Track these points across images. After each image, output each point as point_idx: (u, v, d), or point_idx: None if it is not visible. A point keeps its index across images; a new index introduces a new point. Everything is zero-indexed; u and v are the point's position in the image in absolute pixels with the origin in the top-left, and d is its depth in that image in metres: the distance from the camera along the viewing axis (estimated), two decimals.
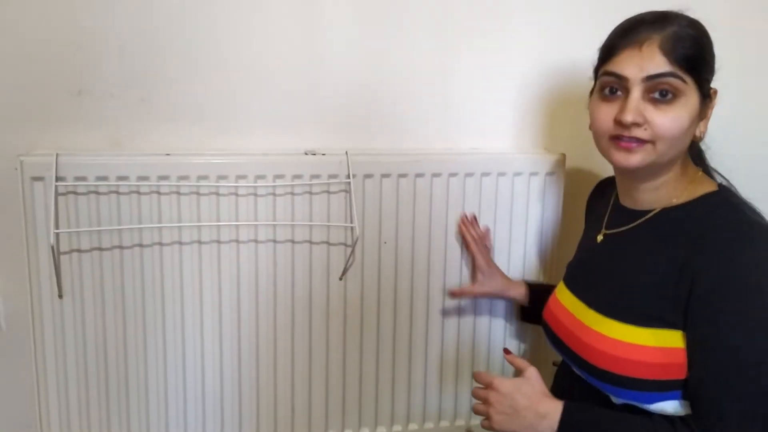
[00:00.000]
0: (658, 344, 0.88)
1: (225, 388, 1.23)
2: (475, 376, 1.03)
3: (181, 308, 1.19)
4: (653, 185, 0.95)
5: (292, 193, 1.19)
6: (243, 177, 1.16)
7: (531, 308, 1.25)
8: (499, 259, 1.30)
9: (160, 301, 1.18)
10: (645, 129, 0.88)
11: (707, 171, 0.99)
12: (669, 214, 0.94)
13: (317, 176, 1.19)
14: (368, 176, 1.21)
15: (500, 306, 1.33)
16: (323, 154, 1.21)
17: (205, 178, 1.15)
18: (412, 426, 1.32)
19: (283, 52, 1.21)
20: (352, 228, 1.21)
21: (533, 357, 1.35)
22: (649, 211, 0.96)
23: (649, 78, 0.87)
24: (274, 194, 1.19)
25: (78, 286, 1.15)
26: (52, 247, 1.10)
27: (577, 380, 1.00)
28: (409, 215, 1.25)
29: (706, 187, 0.94)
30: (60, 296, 1.14)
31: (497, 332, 1.34)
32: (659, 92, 0.87)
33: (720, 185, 0.95)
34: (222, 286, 1.20)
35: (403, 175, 1.23)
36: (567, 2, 1.30)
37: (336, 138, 1.26)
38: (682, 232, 0.90)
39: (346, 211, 1.22)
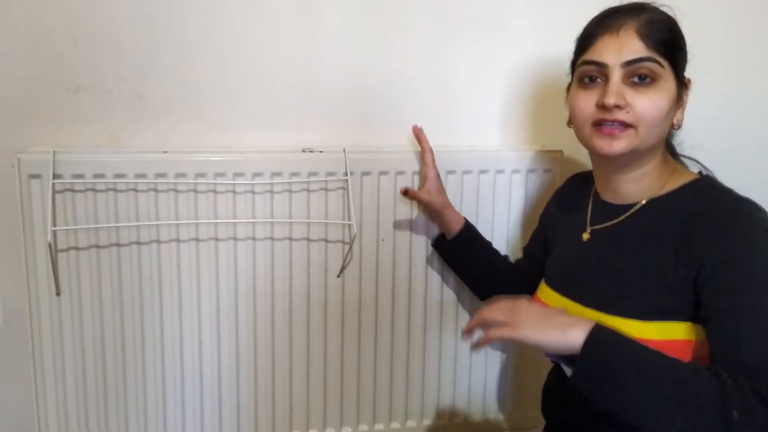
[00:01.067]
0: (663, 337, 0.87)
1: (223, 384, 1.24)
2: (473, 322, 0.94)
3: (179, 305, 1.19)
4: (636, 175, 0.95)
5: (290, 191, 1.19)
6: (241, 174, 1.16)
7: (454, 241, 1.20)
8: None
9: (158, 298, 1.18)
10: (627, 112, 0.89)
11: (681, 162, 1.01)
12: (657, 203, 0.94)
13: (315, 173, 1.19)
14: (366, 173, 1.22)
15: None
16: (321, 152, 1.21)
17: (202, 175, 1.15)
18: (410, 423, 1.33)
19: (280, 49, 1.21)
20: (349, 225, 1.21)
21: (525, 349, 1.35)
22: (633, 204, 0.96)
23: (628, 63, 0.89)
24: (271, 192, 1.19)
25: (76, 284, 1.15)
26: (50, 245, 1.10)
27: (565, 388, 0.99)
28: (406, 212, 1.25)
29: (688, 176, 0.95)
30: (58, 294, 1.14)
31: None
32: (638, 76, 0.89)
33: (700, 173, 0.96)
34: (220, 284, 1.20)
35: (400, 173, 1.23)
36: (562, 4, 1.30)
37: (333, 135, 1.26)
38: (673, 219, 0.90)
39: (344, 209, 1.22)
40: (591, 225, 1.02)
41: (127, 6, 1.15)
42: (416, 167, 1.23)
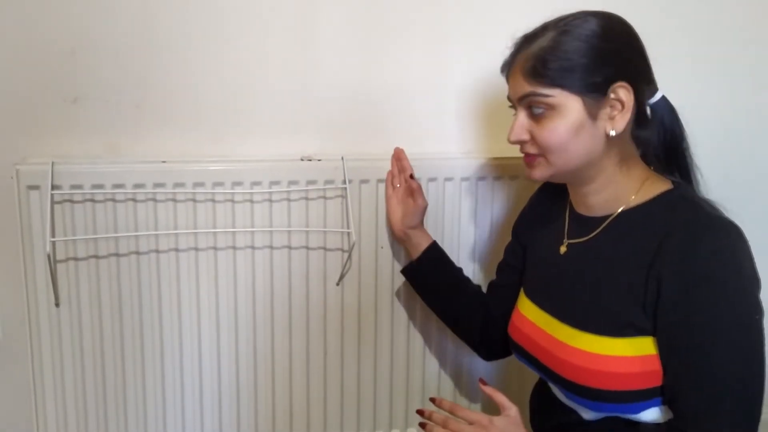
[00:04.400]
0: (635, 353, 0.86)
1: (223, 396, 1.23)
2: (447, 406, 0.99)
3: (179, 315, 1.19)
4: (594, 188, 0.94)
5: (289, 199, 1.20)
6: (239, 183, 1.17)
7: (420, 261, 1.19)
8: (496, 263, 1.30)
9: (157, 308, 1.18)
10: (532, 144, 0.92)
11: (658, 169, 0.97)
12: (628, 216, 0.93)
13: (313, 182, 1.19)
14: (364, 181, 1.22)
15: None
16: (319, 160, 1.21)
17: (201, 185, 1.15)
18: (410, 430, 1.32)
19: (278, 58, 1.22)
20: (348, 233, 1.21)
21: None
22: (607, 216, 0.95)
23: (520, 99, 0.92)
24: (270, 200, 1.19)
25: (75, 295, 1.15)
26: (49, 256, 1.10)
27: (553, 399, 1.00)
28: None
29: (661, 186, 0.93)
30: (57, 305, 1.14)
31: None
32: (534, 108, 0.90)
33: (674, 182, 0.94)
34: (219, 293, 1.20)
35: None
36: (563, 7, 1.30)
37: (332, 144, 1.26)
38: (643, 234, 0.89)
39: (343, 217, 1.22)
40: (568, 238, 1.01)
41: (124, 16, 1.15)
42: (414, 175, 1.23)
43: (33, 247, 1.12)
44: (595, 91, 0.88)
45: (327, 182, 1.20)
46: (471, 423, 0.92)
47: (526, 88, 0.89)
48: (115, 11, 1.14)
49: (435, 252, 1.19)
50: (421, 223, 1.21)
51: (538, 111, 0.90)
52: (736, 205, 0.89)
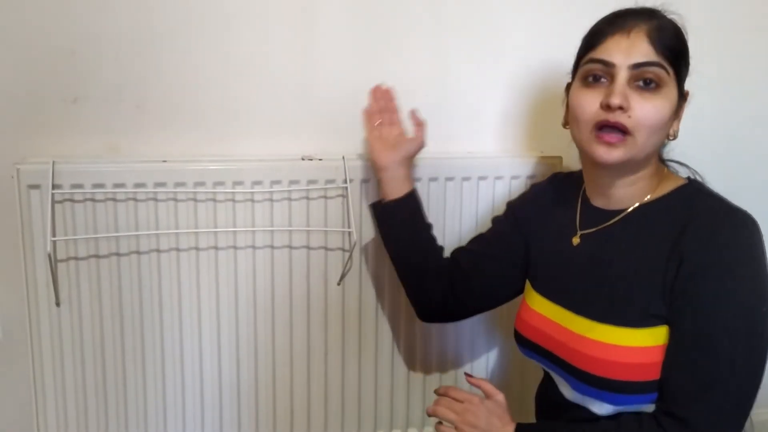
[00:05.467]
0: (655, 343, 0.87)
1: (224, 396, 1.23)
2: (449, 391, 1.02)
3: (179, 315, 1.19)
4: (629, 181, 0.94)
5: (290, 199, 1.19)
6: (240, 183, 1.16)
7: (394, 205, 1.11)
8: None
9: (157, 308, 1.18)
10: (629, 116, 0.87)
11: (668, 167, 1.00)
12: (646, 209, 0.94)
13: (314, 181, 1.19)
14: (365, 181, 1.22)
15: (499, 311, 1.33)
16: (320, 159, 1.21)
17: (202, 184, 1.15)
18: (411, 430, 1.32)
19: (279, 57, 1.22)
20: (349, 233, 1.21)
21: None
22: (624, 209, 0.95)
23: (636, 66, 0.87)
24: (271, 200, 1.19)
25: (75, 294, 1.15)
26: (49, 255, 1.09)
27: (559, 397, 1.00)
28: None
29: (676, 182, 0.95)
30: (57, 304, 1.14)
31: (495, 336, 1.34)
32: (643, 81, 0.88)
33: (688, 178, 0.96)
34: (220, 293, 1.20)
35: None
36: (564, 5, 1.30)
37: (333, 143, 1.26)
38: (662, 224, 0.90)
39: (344, 216, 1.22)
40: (581, 229, 1.00)
41: (125, 16, 1.15)
42: (415, 174, 1.23)
43: (33, 247, 1.11)
44: (682, 88, 0.92)
45: (328, 182, 1.20)
46: (462, 401, 0.99)
47: (653, 56, 0.87)
48: (115, 11, 1.14)
49: (415, 200, 1.13)
50: (412, 159, 1.14)
51: (648, 84, 0.87)
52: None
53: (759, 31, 1.40)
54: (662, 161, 1.00)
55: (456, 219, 1.27)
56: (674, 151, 1.03)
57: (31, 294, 1.13)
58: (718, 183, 0.97)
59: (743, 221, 0.86)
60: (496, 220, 1.15)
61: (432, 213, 1.24)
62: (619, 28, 0.89)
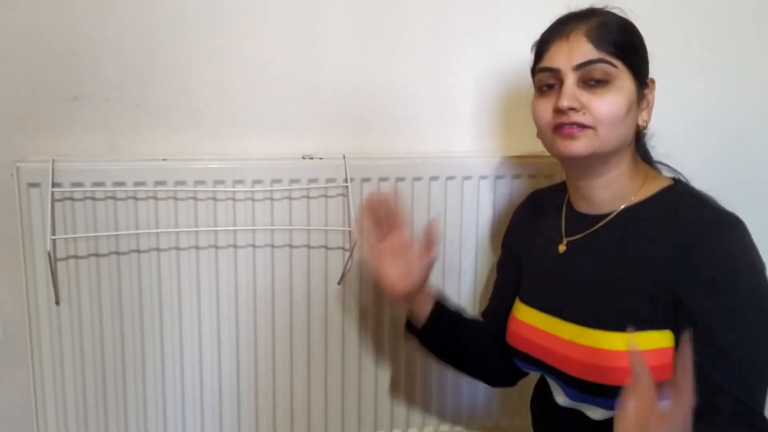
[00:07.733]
0: (645, 347, 0.86)
1: (223, 395, 1.23)
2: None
3: (179, 314, 1.19)
4: (606, 181, 0.94)
5: (290, 198, 1.19)
6: (240, 182, 1.16)
7: (426, 330, 1.09)
8: (494, 264, 1.29)
9: (157, 307, 1.18)
10: (584, 114, 0.88)
11: (654, 167, 1.00)
12: (631, 212, 0.93)
13: (315, 180, 1.19)
14: (366, 180, 1.21)
15: None
16: (321, 158, 1.21)
17: (202, 183, 1.15)
18: (411, 430, 1.32)
19: (280, 56, 1.21)
20: (350, 232, 1.21)
21: None
22: (608, 213, 0.95)
23: (579, 66, 0.89)
24: (271, 199, 1.18)
25: (75, 293, 1.14)
26: (49, 254, 1.09)
27: (553, 403, 0.99)
28: (406, 219, 1.24)
29: (661, 183, 0.94)
30: (57, 303, 1.14)
31: None
32: (593, 79, 0.89)
33: (674, 179, 0.96)
34: (220, 292, 1.19)
35: (400, 179, 1.23)
36: (564, 8, 1.30)
37: (333, 142, 1.25)
38: (648, 228, 0.90)
39: (344, 215, 1.21)
40: (567, 236, 1.00)
41: (125, 15, 1.15)
42: (416, 173, 1.23)
43: (33, 245, 1.11)
44: (642, 79, 0.92)
45: (329, 180, 1.20)
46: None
47: (594, 54, 0.88)
48: (115, 11, 1.14)
49: (441, 312, 1.09)
50: (426, 280, 1.05)
51: (595, 82, 0.88)
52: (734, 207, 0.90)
53: (754, 30, 1.40)
54: (648, 162, 0.99)
55: (456, 219, 1.27)
56: (669, 155, 1.02)
57: (31, 292, 1.13)
58: (712, 184, 0.96)
59: (733, 226, 0.86)
60: (499, 264, 1.17)
61: (432, 212, 1.24)
62: (559, 33, 0.92)
